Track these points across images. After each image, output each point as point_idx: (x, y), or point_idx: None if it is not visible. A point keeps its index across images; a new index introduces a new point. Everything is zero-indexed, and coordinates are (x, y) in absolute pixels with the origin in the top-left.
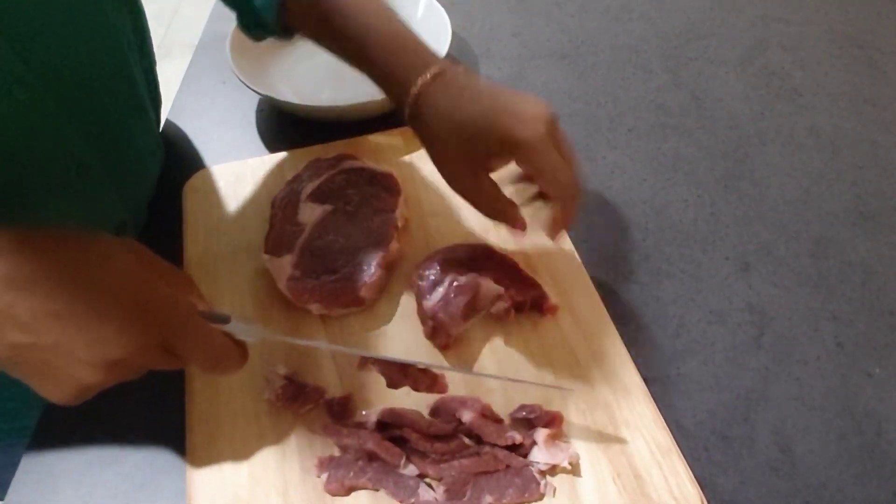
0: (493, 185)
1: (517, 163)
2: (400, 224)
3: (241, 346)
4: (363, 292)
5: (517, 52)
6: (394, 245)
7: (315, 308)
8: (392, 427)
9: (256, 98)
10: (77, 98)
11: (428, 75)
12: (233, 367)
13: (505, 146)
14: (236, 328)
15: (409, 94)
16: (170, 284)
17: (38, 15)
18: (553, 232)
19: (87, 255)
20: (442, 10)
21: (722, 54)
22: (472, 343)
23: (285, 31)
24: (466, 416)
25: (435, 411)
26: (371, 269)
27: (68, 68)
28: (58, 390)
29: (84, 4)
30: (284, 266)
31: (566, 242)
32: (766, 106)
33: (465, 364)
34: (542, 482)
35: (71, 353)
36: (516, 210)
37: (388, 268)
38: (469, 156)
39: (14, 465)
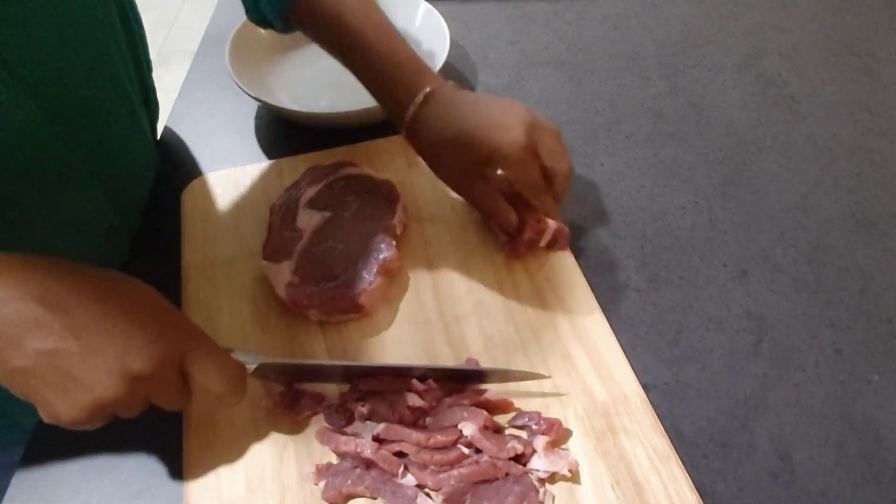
0: (490, 190)
1: (502, 170)
2: (399, 231)
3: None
4: (362, 299)
5: (515, 60)
6: (393, 252)
7: (313, 314)
8: (391, 442)
9: (255, 105)
10: (59, 100)
11: (421, 96)
12: (240, 393)
13: (489, 156)
14: (239, 356)
15: (405, 113)
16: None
17: (18, 16)
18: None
19: (116, 281)
20: (440, 18)
21: (719, 62)
22: (467, 344)
23: (291, 28)
24: (468, 430)
25: (435, 423)
26: (370, 277)
27: (49, 71)
28: (72, 405)
29: (67, 8)
30: (283, 272)
31: (568, 256)
32: (763, 113)
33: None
34: (542, 490)
35: (96, 363)
36: (511, 215)
37: (387, 275)
38: (462, 166)
39: (11, 468)
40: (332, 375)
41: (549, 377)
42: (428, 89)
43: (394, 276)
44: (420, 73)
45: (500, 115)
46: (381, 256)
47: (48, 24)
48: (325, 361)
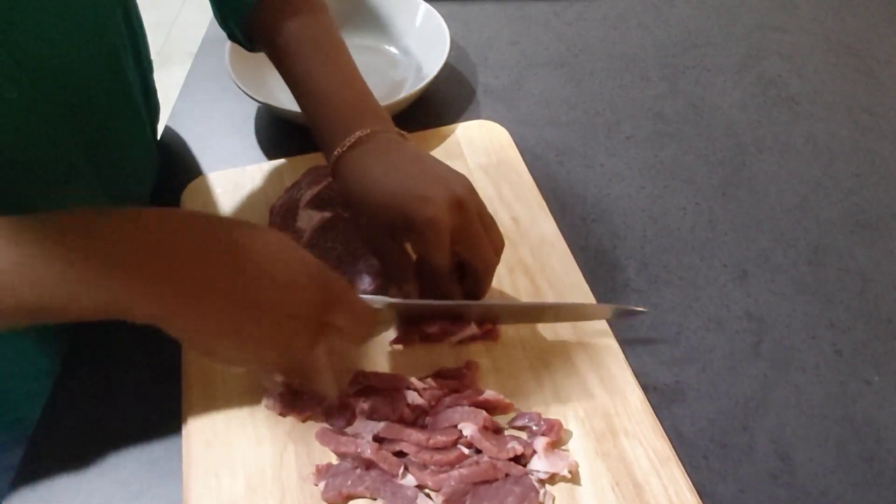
0: (402, 252)
1: (411, 243)
2: None
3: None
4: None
5: (515, 61)
6: None
7: None
8: (391, 441)
9: (255, 105)
10: (68, 100)
11: (351, 139)
12: (371, 332)
13: (404, 225)
14: (366, 298)
15: (331, 154)
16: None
17: (30, 15)
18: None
19: (256, 231)
20: (440, 18)
21: (719, 63)
22: (469, 347)
23: (257, 48)
24: (468, 430)
25: (434, 423)
26: (370, 278)
27: (60, 69)
28: (239, 354)
29: (79, 9)
30: None
31: (568, 256)
32: (763, 114)
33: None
34: (542, 491)
35: (269, 320)
36: (414, 286)
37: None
38: (374, 226)
39: (11, 469)
40: (452, 315)
41: (647, 311)
42: (360, 134)
43: (391, 286)
44: (360, 115)
45: (426, 185)
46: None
47: (58, 23)
48: (451, 302)
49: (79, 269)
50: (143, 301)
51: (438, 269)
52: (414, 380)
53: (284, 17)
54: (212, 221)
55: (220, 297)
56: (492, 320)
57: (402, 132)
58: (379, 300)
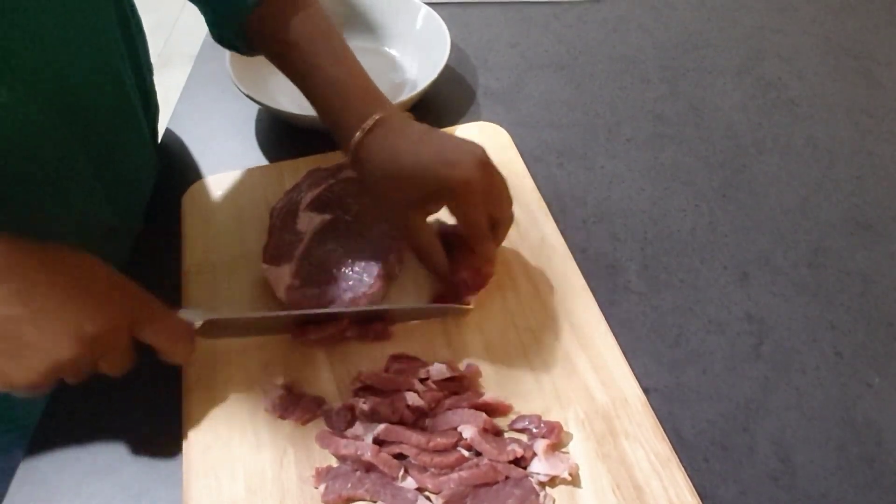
0: (429, 230)
1: (448, 207)
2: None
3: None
4: (362, 302)
5: (515, 63)
6: (393, 255)
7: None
8: (391, 443)
9: (256, 108)
10: (64, 103)
11: (370, 122)
12: (187, 350)
13: (438, 191)
14: (185, 314)
15: (350, 142)
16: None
17: (21, 18)
18: (484, 265)
19: (59, 250)
20: (441, 21)
21: (719, 65)
22: (467, 347)
23: (254, 52)
24: (468, 432)
25: (434, 425)
26: (370, 280)
27: (53, 72)
28: (27, 369)
29: (71, 11)
30: (283, 275)
31: (569, 258)
32: (763, 116)
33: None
34: (542, 493)
35: (49, 327)
36: (443, 261)
37: (387, 278)
38: (405, 200)
39: (11, 472)
40: (277, 327)
41: (470, 307)
42: (378, 116)
43: (394, 280)
44: (372, 100)
45: (453, 150)
46: (381, 260)
47: (51, 26)
48: (270, 313)
49: None
50: None
51: (476, 226)
52: (415, 381)
53: (284, 16)
54: (33, 246)
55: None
56: (341, 324)
57: (410, 114)
58: (197, 314)
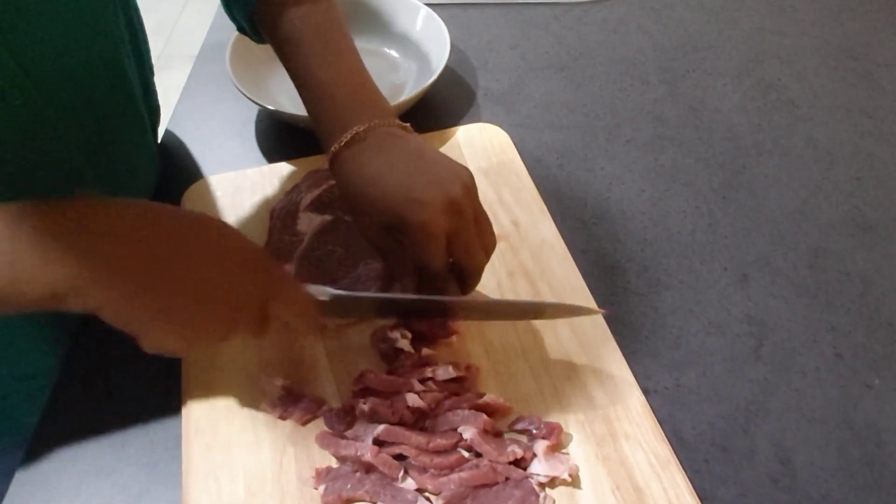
0: (400, 248)
1: (406, 243)
2: None
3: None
4: None
5: (516, 64)
6: None
7: None
8: (391, 444)
9: (256, 109)
10: (72, 104)
11: (342, 140)
12: (311, 324)
13: (396, 225)
14: (313, 289)
15: (329, 150)
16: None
17: (37, 21)
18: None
19: (207, 225)
20: (441, 22)
21: (719, 66)
22: (469, 348)
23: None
24: (468, 434)
25: (434, 426)
26: (369, 282)
27: (64, 75)
28: (180, 337)
29: (82, 13)
30: None
31: (568, 259)
32: (763, 117)
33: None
34: (542, 495)
35: (211, 307)
36: (413, 282)
37: (387, 279)
38: (371, 223)
39: (10, 472)
40: (395, 311)
41: (606, 311)
42: (357, 129)
43: (394, 282)
44: (360, 109)
45: (421, 186)
46: (381, 261)
47: (63, 28)
48: (392, 295)
49: (16, 258)
50: (79, 291)
51: (433, 270)
52: (415, 382)
53: (286, 7)
54: (156, 211)
55: (157, 285)
56: (455, 317)
57: (405, 124)
58: (324, 291)
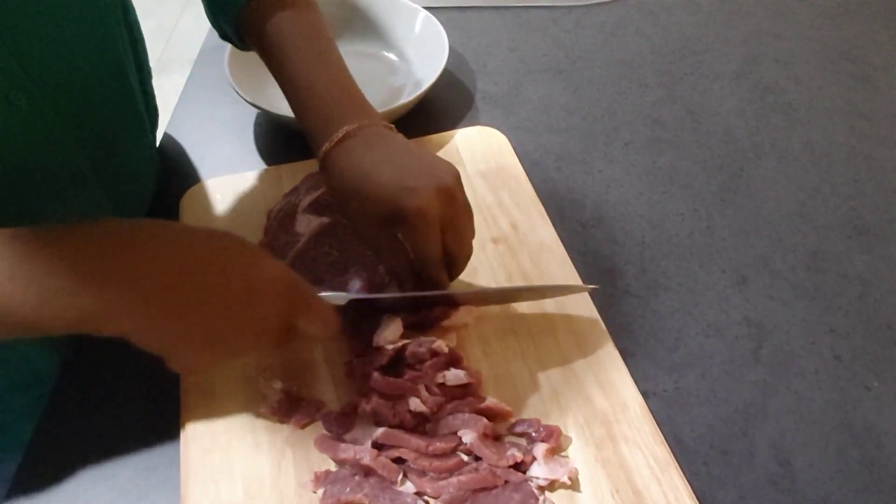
0: (398, 250)
1: (400, 233)
2: None
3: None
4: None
5: (514, 67)
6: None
7: None
8: (390, 447)
9: (254, 112)
10: (75, 107)
11: (334, 138)
12: (336, 333)
13: (393, 216)
14: (329, 297)
15: (318, 151)
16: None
17: (39, 24)
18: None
19: (232, 246)
20: (439, 25)
21: (717, 69)
22: (467, 349)
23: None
24: (467, 437)
25: (434, 429)
26: (355, 287)
27: (67, 78)
28: (210, 358)
29: (84, 16)
30: None
31: (567, 262)
32: (760, 120)
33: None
34: (541, 498)
35: (238, 326)
36: (410, 277)
37: (376, 286)
38: (366, 219)
39: (6, 481)
40: (411, 308)
41: (594, 286)
42: (347, 128)
43: (383, 290)
44: (347, 110)
45: (414, 176)
46: (372, 267)
47: (66, 32)
48: (407, 293)
49: (44, 283)
50: (109, 316)
51: (429, 257)
52: (421, 388)
53: (273, 14)
54: (182, 233)
55: (187, 308)
56: (456, 305)
57: (390, 125)
58: (340, 297)
